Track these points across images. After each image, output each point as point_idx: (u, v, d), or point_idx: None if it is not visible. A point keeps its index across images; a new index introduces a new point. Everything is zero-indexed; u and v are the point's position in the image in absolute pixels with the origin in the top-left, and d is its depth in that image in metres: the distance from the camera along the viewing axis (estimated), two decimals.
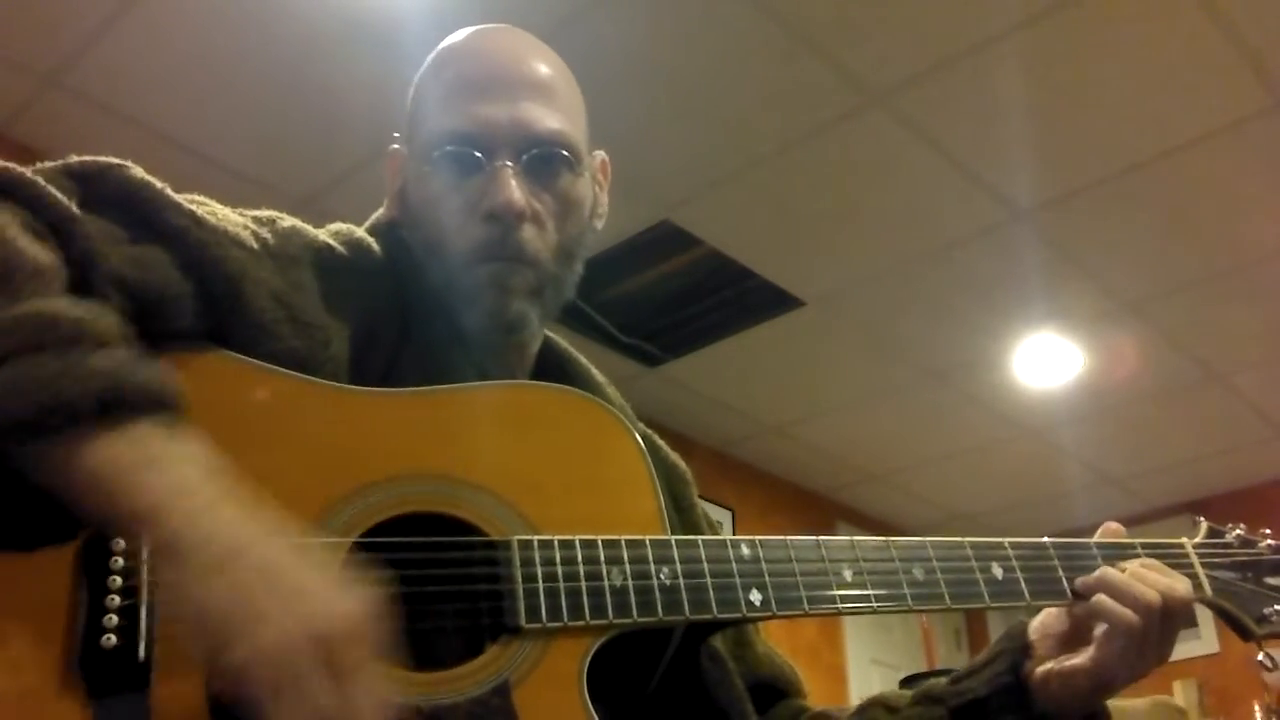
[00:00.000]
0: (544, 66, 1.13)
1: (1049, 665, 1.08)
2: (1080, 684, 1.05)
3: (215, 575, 0.71)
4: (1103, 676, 1.05)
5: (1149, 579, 1.07)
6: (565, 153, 1.09)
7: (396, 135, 1.18)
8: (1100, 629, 1.06)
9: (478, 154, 1.06)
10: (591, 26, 3.03)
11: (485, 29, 1.17)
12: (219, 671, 0.71)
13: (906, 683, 3.57)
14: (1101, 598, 1.06)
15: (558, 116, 1.10)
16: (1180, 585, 1.08)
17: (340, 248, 1.07)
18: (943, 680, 1.13)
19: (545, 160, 1.08)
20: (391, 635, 0.79)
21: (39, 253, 0.79)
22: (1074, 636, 1.09)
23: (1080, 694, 1.06)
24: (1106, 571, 1.08)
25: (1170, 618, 1.05)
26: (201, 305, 0.91)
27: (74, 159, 0.93)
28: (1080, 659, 1.06)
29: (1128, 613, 1.04)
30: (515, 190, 1.05)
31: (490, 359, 1.10)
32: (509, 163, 1.06)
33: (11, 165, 0.85)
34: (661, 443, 1.23)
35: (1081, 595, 1.08)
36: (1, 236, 0.78)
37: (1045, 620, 1.11)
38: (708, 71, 3.26)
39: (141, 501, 0.73)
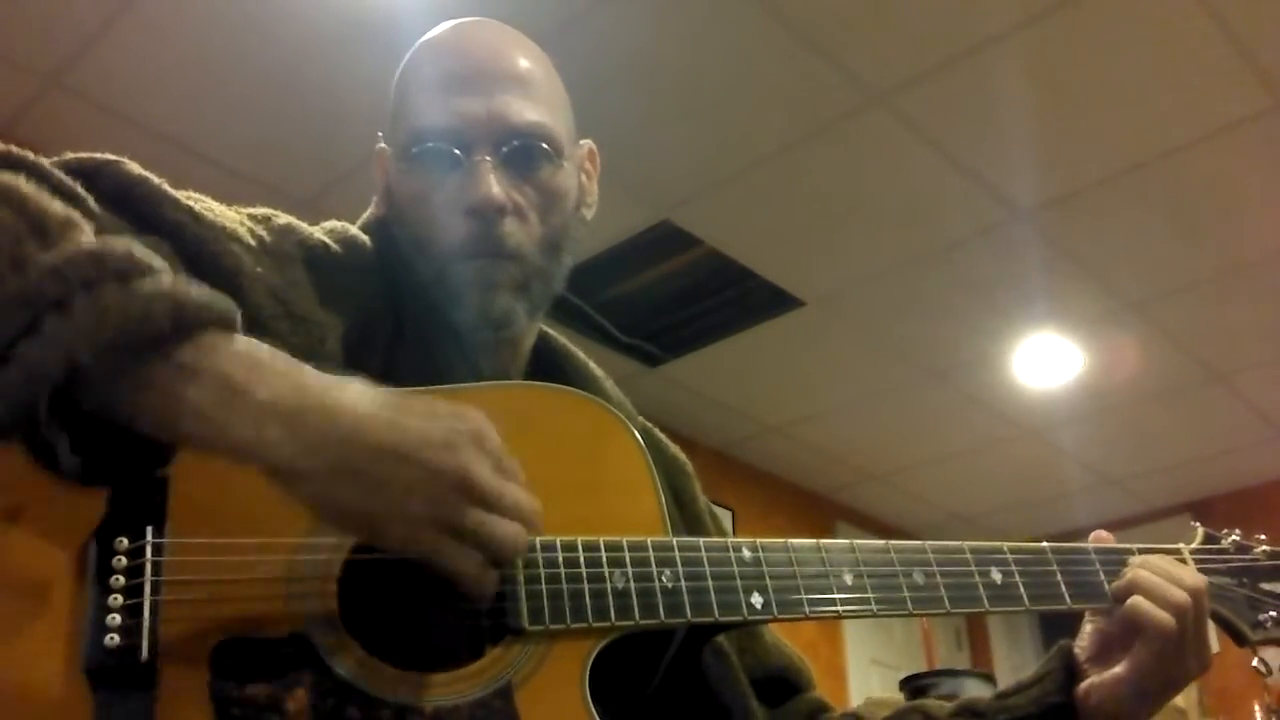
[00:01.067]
0: (521, 58, 1.12)
1: (1089, 681, 1.08)
2: (1123, 693, 1.06)
3: (341, 475, 0.75)
4: (1143, 685, 1.05)
5: (1175, 575, 1.07)
6: (544, 144, 1.08)
7: (381, 134, 1.17)
8: (1134, 642, 1.06)
9: (456, 150, 1.06)
10: (592, 27, 3.03)
11: (463, 23, 1.16)
12: (396, 551, 0.77)
13: (906, 683, 3.57)
14: (1136, 600, 1.06)
15: (536, 108, 1.09)
16: (1201, 578, 1.09)
17: (335, 245, 1.07)
18: (986, 695, 1.14)
19: (524, 152, 1.08)
20: (390, 637, 0.79)
21: (63, 206, 0.80)
22: (1111, 649, 1.09)
23: (1123, 705, 1.06)
24: (1138, 574, 1.08)
25: (1202, 614, 1.06)
26: None
27: (69, 156, 0.93)
28: (1119, 668, 1.07)
29: (1162, 614, 1.04)
30: (494, 184, 1.05)
31: (484, 356, 1.10)
32: (487, 156, 1.05)
33: (28, 153, 0.85)
34: (661, 435, 1.23)
35: (1081, 599, 1.08)
36: (25, 193, 0.78)
37: (1085, 638, 1.12)
38: (708, 71, 3.26)
39: (240, 439, 0.74)
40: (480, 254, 1.06)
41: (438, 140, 1.06)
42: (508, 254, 1.06)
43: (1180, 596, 1.05)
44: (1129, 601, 1.06)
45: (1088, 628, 1.12)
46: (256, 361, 0.77)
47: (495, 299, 1.07)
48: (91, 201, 0.86)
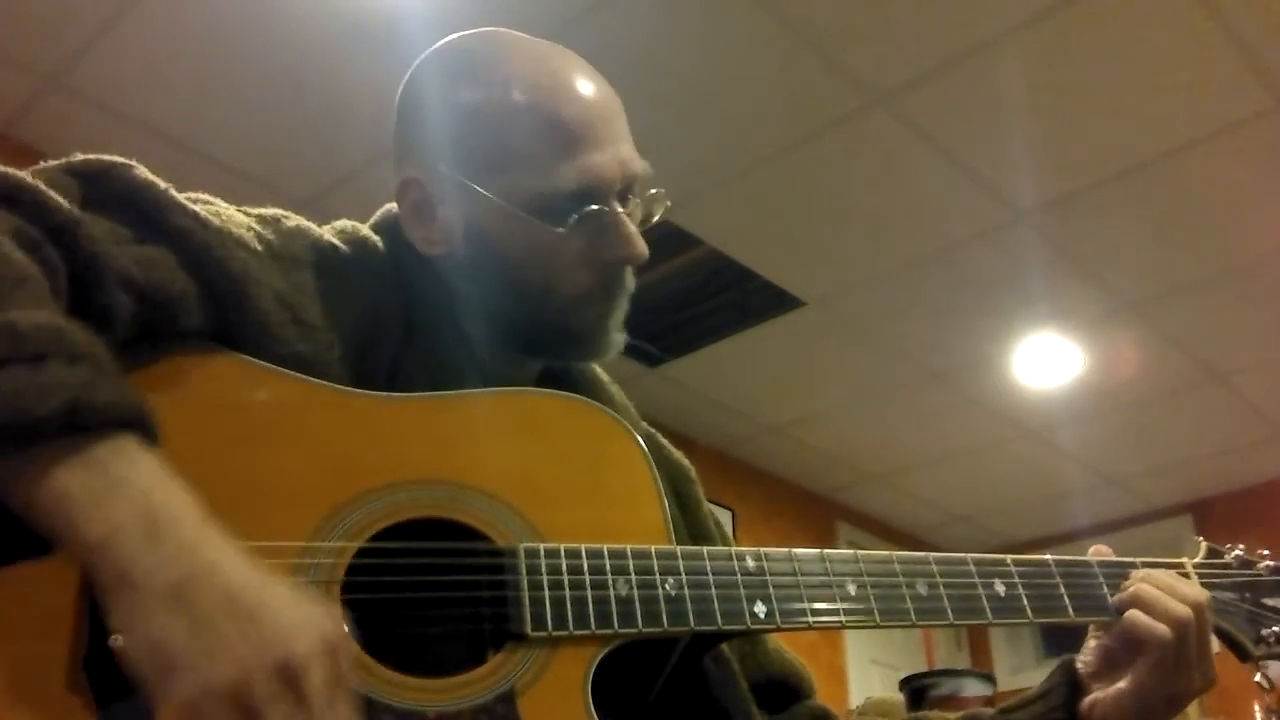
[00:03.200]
0: (612, 93, 1.11)
1: (1093, 696, 1.09)
2: (1126, 707, 1.06)
3: (173, 606, 0.69)
4: (1146, 699, 1.06)
5: (1179, 591, 1.08)
6: (658, 191, 1.11)
7: (434, 162, 1.08)
8: (1137, 657, 1.07)
9: (598, 206, 1.04)
10: (593, 27, 3.02)
11: (547, 60, 1.10)
12: (174, 709, 0.68)
13: (906, 683, 3.58)
14: (1134, 614, 1.06)
15: (635, 149, 1.10)
16: (1203, 593, 1.09)
17: (344, 246, 1.06)
18: (989, 710, 1.14)
19: (639, 192, 1.10)
20: (393, 640, 0.78)
21: (24, 261, 0.77)
22: (1115, 665, 1.09)
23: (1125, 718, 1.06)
24: (1140, 587, 1.09)
25: (1205, 628, 1.06)
26: (207, 306, 0.91)
27: (78, 157, 0.92)
28: (1123, 684, 1.07)
29: (1161, 628, 1.05)
30: (637, 237, 1.07)
31: (494, 361, 1.09)
32: (621, 208, 1.06)
33: (11, 170, 0.83)
34: (664, 441, 1.23)
35: (1084, 611, 1.09)
36: None
37: (1090, 651, 1.12)
38: (709, 72, 3.26)
39: (95, 531, 0.70)
40: (609, 299, 1.09)
41: (579, 200, 1.03)
42: (627, 293, 1.10)
43: (1181, 610, 1.05)
44: (1128, 615, 1.07)
45: (1091, 643, 1.13)
46: (145, 473, 0.74)
47: (615, 337, 1.10)
48: (87, 225, 0.83)
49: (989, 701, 3.47)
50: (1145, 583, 1.08)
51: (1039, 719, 1.10)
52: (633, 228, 1.07)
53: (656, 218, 1.12)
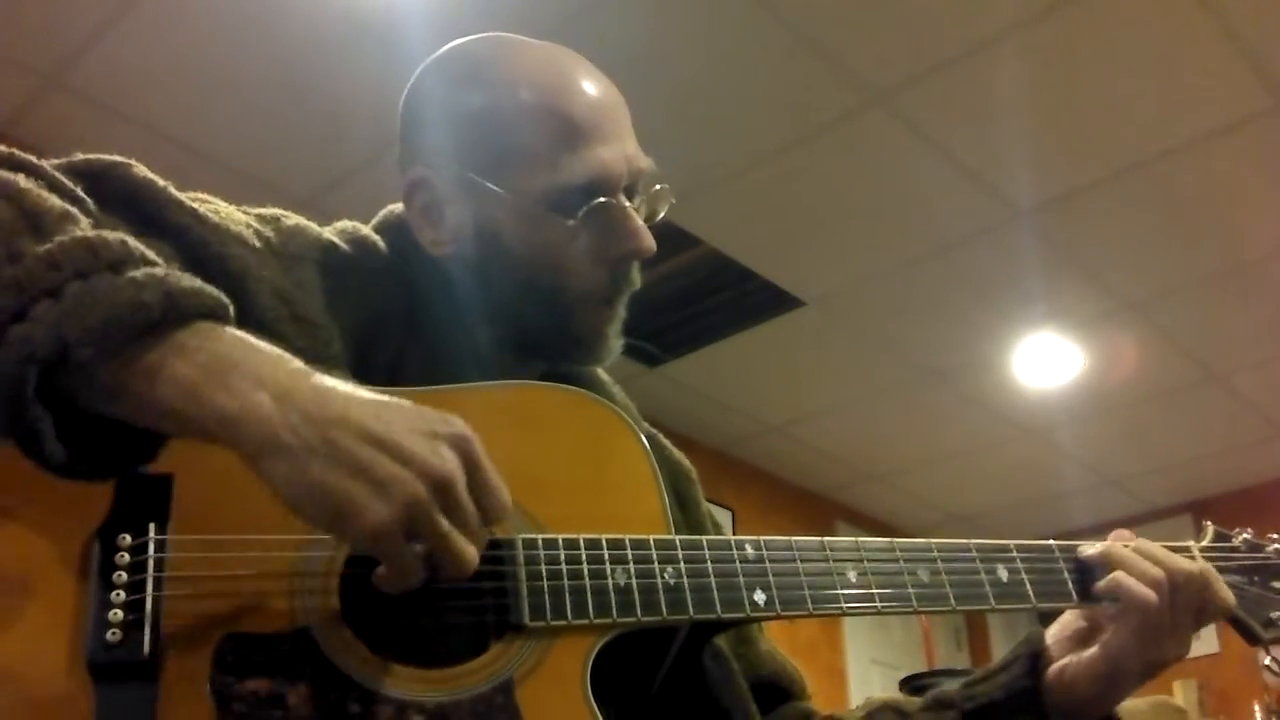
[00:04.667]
0: (616, 91, 1.13)
1: (1065, 659, 1.09)
2: (1099, 671, 1.06)
3: (324, 452, 0.73)
4: (1120, 664, 1.06)
5: (1153, 553, 1.08)
6: (663, 186, 1.12)
7: (442, 159, 1.08)
8: (1112, 622, 1.07)
9: (608, 201, 1.05)
10: (592, 27, 3.03)
11: (550, 53, 1.12)
12: (359, 543, 0.75)
13: (906, 683, 3.57)
14: (1115, 576, 1.06)
15: (639, 146, 1.11)
16: (1185, 561, 1.09)
17: (345, 246, 1.06)
18: (955, 685, 1.14)
19: (645, 189, 1.11)
20: (393, 632, 0.79)
21: (61, 201, 0.81)
22: (1090, 637, 1.09)
23: (1095, 684, 1.07)
24: (1112, 548, 1.09)
25: (1180, 593, 1.06)
26: None
27: (78, 157, 0.93)
28: (1095, 648, 1.07)
29: (1141, 588, 1.05)
30: (644, 232, 1.08)
31: (496, 360, 1.10)
32: (627, 202, 1.07)
33: (28, 155, 0.86)
34: (666, 441, 1.23)
35: (1089, 596, 1.08)
36: (23, 189, 0.79)
37: (1061, 626, 1.12)
38: (709, 71, 3.26)
39: (227, 406, 0.74)
40: (615, 299, 1.09)
41: (588, 194, 1.04)
42: (630, 291, 1.11)
43: (1156, 573, 1.06)
44: (1113, 575, 1.06)
45: (1066, 617, 1.12)
46: (248, 343, 0.78)
47: (614, 343, 1.10)
48: (91, 204, 0.86)
49: None
50: (1127, 548, 1.09)
51: (1003, 689, 1.10)
52: (640, 221, 1.08)
53: (661, 214, 1.13)
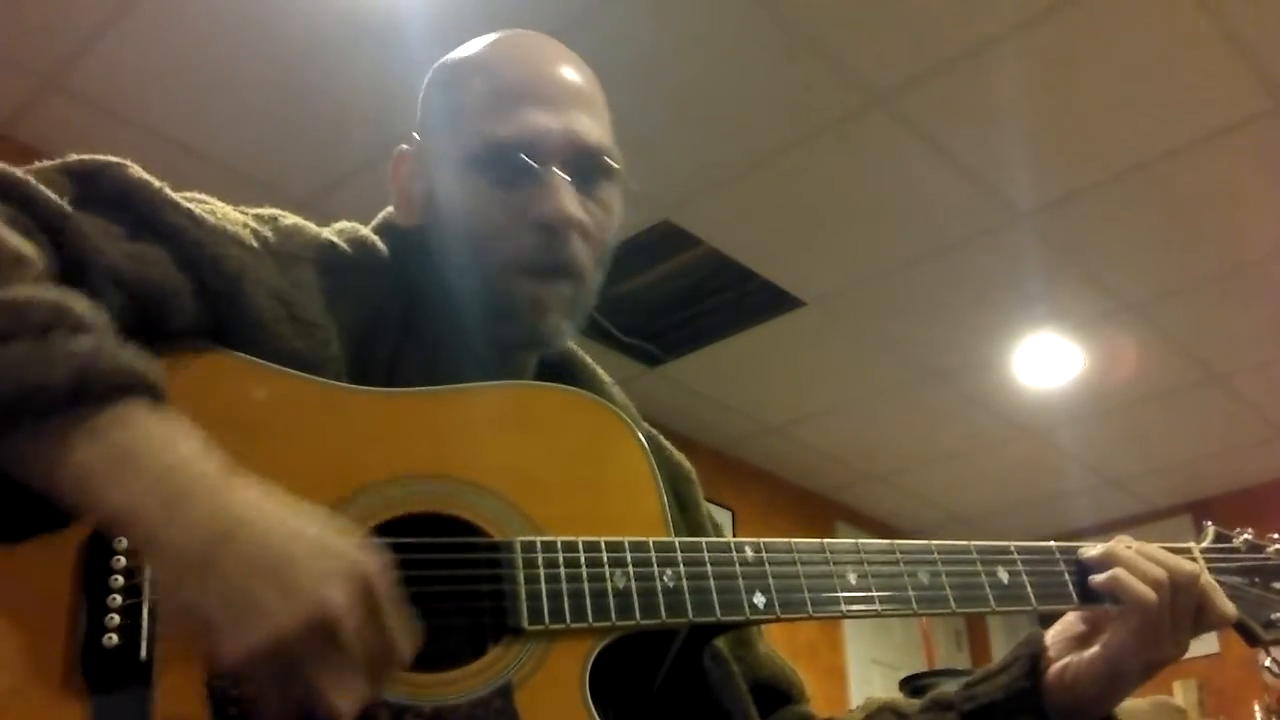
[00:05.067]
0: (586, 77, 1.11)
1: (1065, 660, 1.09)
2: (1099, 672, 1.06)
3: (200, 572, 0.69)
4: (1120, 665, 1.05)
5: (1153, 554, 1.08)
6: (611, 163, 1.08)
7: (416, 135, 1.14)
8: (1112, 622, 1.07)
9: (531, 162, 1.03)
10: (593, 28, 3.03)
11: (520, 34, 1.14)
12: (217, 669, 0.70)
13: (905, 683, 3.57)
14: (1116, 573, 1.06)
15: (600, 127, 1.09)
16: (1186, 562, 1.08)
17: (344, 246, 1.06)
18: (954, 686, 1.13)
19: (594, 171, 1.07)
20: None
21: (20, 243, 0.78)
22: (1089, 638, 1.09)
23: (1095, 684, 1.06)
24: (1113, 548, 1.09)
25: (1180, 593, 1.06)
26: (201, 304, 0.90)
27: (72, 157, 0.92)
28: (1095, 647, 1.07)
29: (1141, 587, 1.05)
30: (572, 200, 1.03)
31: (493, 359, 1.09)
32: (562, 173, 1.04)
33: (2, 165, 0.84)
34: (665, 442, 1.22)
35: (1090, 598, 1.08)
36: None
37: (1062, 626, 1.12)
38: (709, 72, 3.26)
39: (117, 503, 0.71)
40: (539, 268, 1.04)
41: (512, 150, 1.03)
42: (572, 273, 1.05)
43: (1157, 573, 1.05)
44: (1113, 573, 1.06)
45: (1067, 618, 1.12)
46: (157, 436, 0.74)
47: (548, 318, 1.05)
48: (75, 219, 0.84)
49: None
50: (1126, 548, 1.09)
51: (1002, 690, 1.09)
52: (569, 191, 1.04)
53: (609, 200, 1.09)
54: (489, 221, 1.04)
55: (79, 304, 0.76)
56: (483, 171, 1.04)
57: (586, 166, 1.06)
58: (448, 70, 1.13)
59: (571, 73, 1.10)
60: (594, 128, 1.07)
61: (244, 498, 0.73)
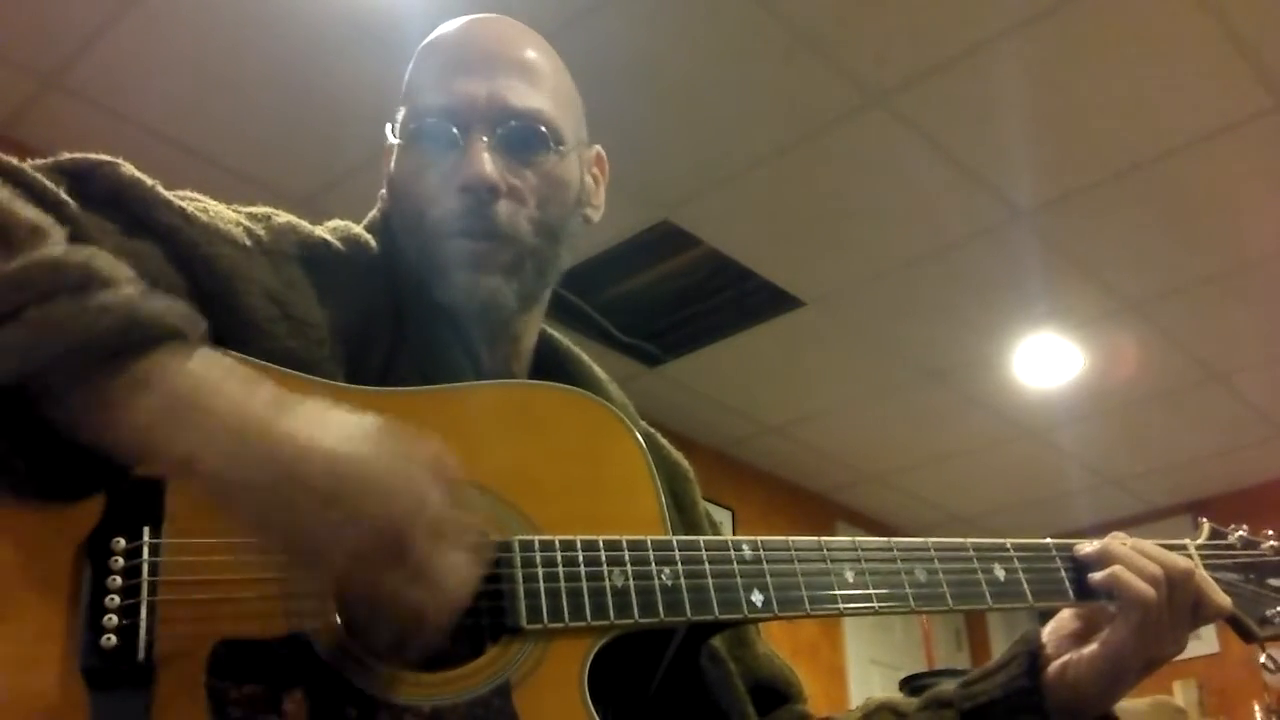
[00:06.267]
0: (529, 49, 1.12)
1: (1065, 657, 1.08)
2: (1099, 669, 1.06)
3: (272, 512, 0.73)
4: (1120, 662, 1.05)
5: (1149, 550, 1.08)
6: (542, 128, 1.08)
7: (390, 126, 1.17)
8: (1110, 619, 1.07)
9: (454, 129, 1.05)
10: (593, 27, 3.02)
11: (476, 17, 1.17)
12: (338, 590, 0.76)
13: (906, 683, 3.56)
14: (1114, 570, 1.06)
15: (538, 95, 1.09)
16: (1181, 559, 1.09)
17: (337, 243, 1.06)
18: (952, 685, 1.13)
19: (521, 135, 1.07)
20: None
21: (35, 213, 0.79)
22: (1085, 635, 1.09)
23: (1096, 682, 1.06)
24: (1109, 545, 1.09)
25: (1177, 590, 1.06)
26: (194, 302, 0.89)
27: (64, 156, 0.92)
28: (1094, 645, 1.07)
29: (1139, 583, 1.05)
30: (487, 163, 1.04)
31: (487, 354, 1.09)
32: (484, 137, 1.05)
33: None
34: (663, 440, 1.22)
35: (1086, 595, 1.08)
36: None
37: (1057, 623, 1.12)
38: (708, 71, 3.26)
39: (180, 451, 0.73)
40: (470, 233, 1.05)
41: (435, 117, 1.06)
42: (499, 235, 1.05)
43: (1154, 569, 1.06)
44: (1109, 571, 1.06)
45: (1061, 615, 1.12)
46: (207, 379, 0.76)
47: (482, 279, 1.05)
48: (74, 206, 0.85)
49: None
50: (1124, 546, 1.09)
51: (1001, 688, 1.09)
52: (487, 155, 1.04)
53: (537, 157, 1.08)
54: (422, 189, 1.07)
55: (107, 260, 0.77)
56: (416, 143, 1.08)
57: (517, 131, 1.07)
58: (413, 59, 1.16)
59: (514, 45, 1.12)
60: (526, 94, 1.08)
61: (298, 430, 0.75)
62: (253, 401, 0.76)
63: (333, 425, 0.77)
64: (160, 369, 0.75)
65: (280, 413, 0.76)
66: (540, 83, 1.10)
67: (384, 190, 1.16)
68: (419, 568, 0.74)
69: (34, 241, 0.76)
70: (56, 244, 0.77)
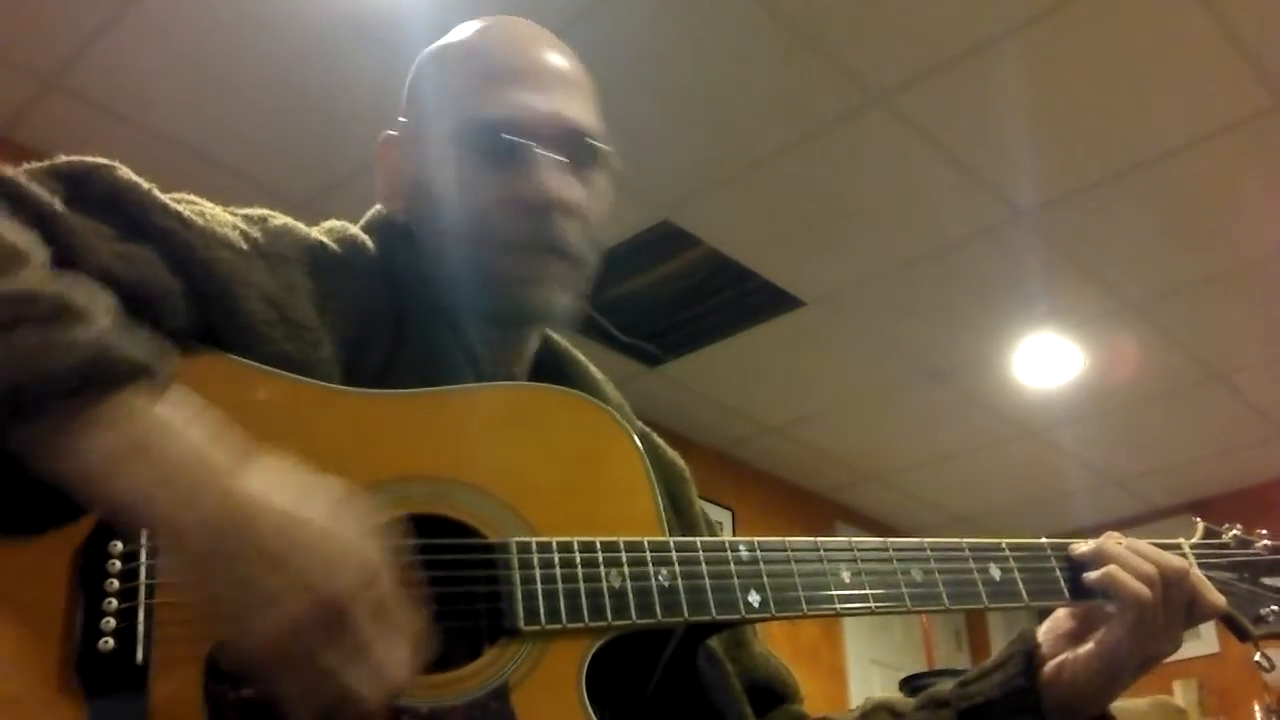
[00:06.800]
0: (573, 63, 1.13)
1: (1061, 657, 1.09)
2: (1095, 668, 1.06)
3: (211, 561, 0.71)
4: (1116, 660, 1.06)
5: (1143, 550, 1.08)
6: (596, 144, 1.09)
7: (403, 120, 1.15)
8: (1105, 618, 1.07)
9: (517, 142, 1.04)
10: (593, 27, 3.03)
11: (506, 19, 1.16)
12: (231, 661, 0.72)
13: (905, 683, 3.56)
14: (1109, 570, 1.06)
15: (586, 109, 1.10)
16: (1175, 558, 1.09)
17: (334, 245, 1.06)
18: (949, 684, 1.13)
19: (585, 152, 1.08)
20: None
21: (18, 235, 0.78)
22: (1080, 634, 1.09)
23: (1092, 681, 1.06)
24: (1104, 545, 1.09)
25: (1172, 588, 1.06)
26: (192, 306, 0.90)
27: (61, 159, 0.92)
28: (1090, 644, 1.07)
29: (1134, 583, 1.05)
30: (559, 180, 1.05)
31: (488, 357, 1.09)
32: (552, 153, 1.05)
33: None
34: (660, 440, 1.22)
35: (1082, 594, 1.08)
36: None
37: (1053, 623, 1.12)
38: (708, 71, 3.26)
39: (127, 493, 0.72)
40: (534, 248, 1.05)
41: (501, 131, 1.04)
42: (560, 250, 1.06)
43: (1148, 568, 1.06)
44: (1104, 571, 1.06)
45: (1056, 614, 1.12)
46: (170, 423, 0.74)
47: (539, 291, 1.06)
48: (67, 217, 0.84)
49: None
50: (1119, 545, 1.09)
51: (998, 688, 1.09)
52: (555, 170, 1.05)
53: (598, 182, 1.10)
54: (478, 202, 1.06)
55: (83, 293, 0.76)
56: (471, 153, 1.06)
57: (573, 148, 1.07)
58: (435, 55, 1.15)
59: (558, 57, 1.12)
60: (580, 111, 1.09)
61: (255, 486, 0.73)
62: (213, 450, 0.74)
63: (291, 486, 0.75)
64: (123, 409, 0.73)
65: (240, 465, 0.74)
66: (586, 98, 1.12)
67: (389, 188, 1.13)
68: (357, 648, 0.72)
69: (12, 267, 0.75)
70: (36, 269, 0.76)
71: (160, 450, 0.73)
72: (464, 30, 1.15)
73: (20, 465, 0.73)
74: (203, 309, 0.90)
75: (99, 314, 0.76)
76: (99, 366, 0.73)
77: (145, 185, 0.93)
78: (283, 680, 0.72)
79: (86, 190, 0.90)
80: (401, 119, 1.16)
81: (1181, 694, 5.19)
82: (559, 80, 1.09)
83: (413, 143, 1.12)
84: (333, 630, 0.71)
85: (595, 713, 0.86)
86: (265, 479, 0.74)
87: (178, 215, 0.93)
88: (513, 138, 1.04)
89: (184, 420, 0.75)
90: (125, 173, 0.93)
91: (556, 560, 0.90)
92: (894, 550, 1.03)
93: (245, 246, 0.97)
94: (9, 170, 0.84)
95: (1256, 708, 4.61)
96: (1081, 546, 1.10)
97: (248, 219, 1.02)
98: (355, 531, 0.75)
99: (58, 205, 0.85)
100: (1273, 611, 1.16)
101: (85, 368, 0.72)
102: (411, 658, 0.75)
